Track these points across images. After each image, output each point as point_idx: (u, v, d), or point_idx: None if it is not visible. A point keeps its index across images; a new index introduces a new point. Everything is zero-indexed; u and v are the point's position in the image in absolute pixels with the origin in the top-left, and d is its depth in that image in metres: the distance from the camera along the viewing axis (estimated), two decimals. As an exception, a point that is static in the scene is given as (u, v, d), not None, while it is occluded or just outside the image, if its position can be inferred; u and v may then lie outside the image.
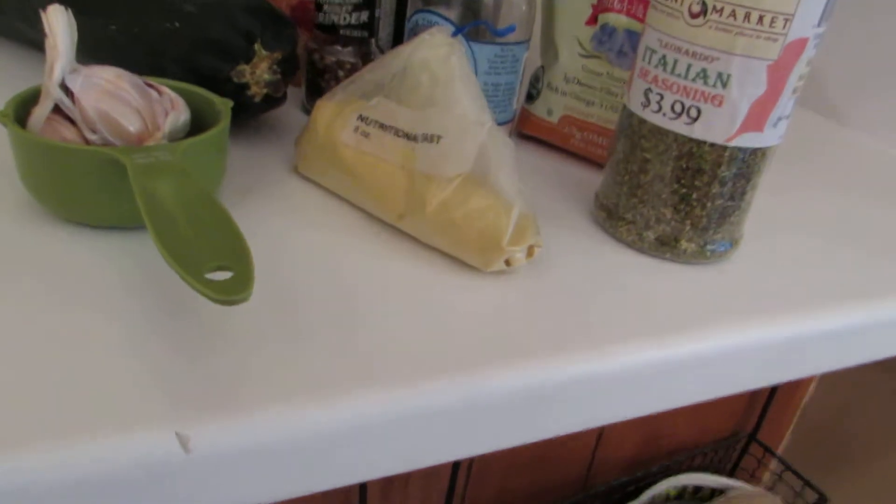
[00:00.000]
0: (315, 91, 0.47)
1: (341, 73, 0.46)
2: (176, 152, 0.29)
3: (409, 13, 0.44)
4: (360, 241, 0.34)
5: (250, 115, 0.41)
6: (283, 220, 0.35)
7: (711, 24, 0.32)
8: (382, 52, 0.48)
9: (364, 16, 0.45)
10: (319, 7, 0.45)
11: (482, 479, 0.59)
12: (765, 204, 0.45)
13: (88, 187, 0.29)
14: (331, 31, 0.45)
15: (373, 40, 0.47)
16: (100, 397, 0.23)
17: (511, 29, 0.39)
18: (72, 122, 0.32)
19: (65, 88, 0.32)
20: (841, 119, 0.65)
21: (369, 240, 0.34)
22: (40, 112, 0.31)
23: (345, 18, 0.45)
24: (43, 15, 0.32)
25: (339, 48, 0.46)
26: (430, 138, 0.33)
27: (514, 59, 0.42)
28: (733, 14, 0.31)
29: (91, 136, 0.31)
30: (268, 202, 0.37)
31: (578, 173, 0.46)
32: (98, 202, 0.30)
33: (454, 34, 0.35)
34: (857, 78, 0.63)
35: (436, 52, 0.34)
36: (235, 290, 0.21)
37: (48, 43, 0.32)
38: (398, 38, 0.50)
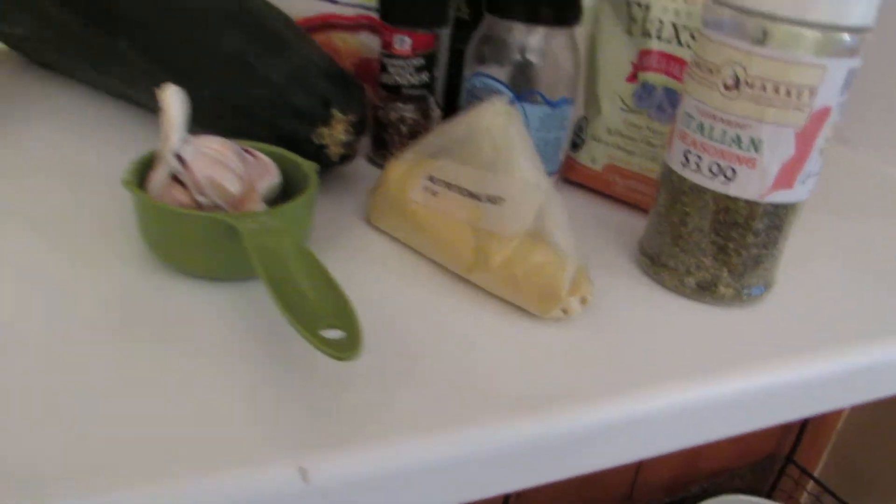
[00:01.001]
0: (380, 143, 0.52)
1: (403, 128, 0.51)
2: (278, 217, 0.33)
3: (466, 73, 0.48)
4: (430, 289, 0.39)
5: (326, 170, 0.46)
6: (359, 268, 0.40)
7: (744, 96, 0.36)
8: (439, 106, 0.52)
9: (425, 76, 0.49)
10: (384, 68, 0.49)
11: (530, 500, 0.63)
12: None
13: (203, 246, 0.34)
14: (394, 91, 0.50)
15: (431, 98, 0.51)
16: (224, 435, 0.27)
17: (564, 101, 0.43)
18: (182, 184, 0.37)
19: (178, 157, 0.37)
20: (844, 140, 0.68)
21: (438, 288, 0.39)
22: (158, 178, 0.36)
23: (407, 79, 0.49)
24: (159, 93, 0.37)
25: (401, 105, 0.50)
26: (493, 199, 0.37)
27: (561, 117, 0.46)
28: (763, 87, 0.35)
29: (200, 199, 0.36)
30: (343, 251, 0.41)
31: (622, 218, 0.50)
32: (211, 259, 0.35)
33: (512, 102, 0.39)
34: (861, 98, 0.66)
35: (496, 120, 0.38)
36: (348, 349, 0.25)
37: (164, 118, 0.37)
38: (451, 94, 0.54)
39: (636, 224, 0.49)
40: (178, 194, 0.36)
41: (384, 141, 0.51)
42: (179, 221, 0.34)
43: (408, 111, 0.51)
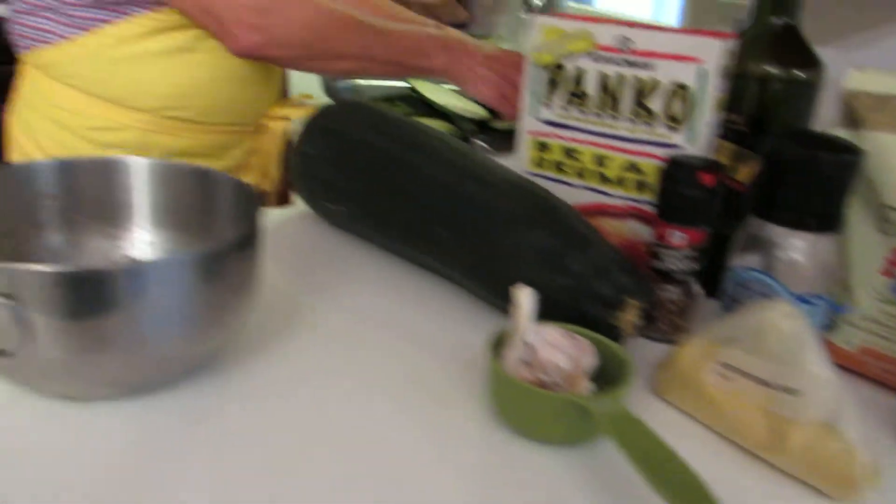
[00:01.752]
0: (648, 320, 0.60)
1: (671, 306, 0.59)
2: (618, 399, 0.42)
3: (733, 265, 0.56)
4: (724, 464, 0.45)
5: (617, 345, 0.55)
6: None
7: None
8: (700, 288, 0.61)
9: (694, 264, 0.58)
10: (657, 256, 0.59)
11: None
12: None
13: (553, 419, 0.44)
14: (664, 275, 0.59)
15: (693, 279, 0.59)
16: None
17: (827, 296, 0.50)
18: (527, 363, 0.47)
19: (527, 344, 0.47)
20: None
21: (731, 463, 0.46)
22: (511, 358, 0.47)
23: (678, 266, 0.58)
24: (514, 291, 0.48)
25: (669, 287, 0.59)
26: (787, 390, 0.44)
27: (824, 310, 0.53)
28: None
29: (543, 377, 0.46)
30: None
31: (879, 397, 0.55)
32: (556, 428, 0.44)
33: (795, 304, 0.47)
34: None
35: (785, 320, 0.46)
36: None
37: (517, 312, 0.47)
38: (709, 277, 0.62)
39: (893, 402, 0.54)
40: (525, 372, 0.46)
41: (653, 318, 0.60)
42: (539, 400, 0.44)
43: (675, 293, 0.59)
